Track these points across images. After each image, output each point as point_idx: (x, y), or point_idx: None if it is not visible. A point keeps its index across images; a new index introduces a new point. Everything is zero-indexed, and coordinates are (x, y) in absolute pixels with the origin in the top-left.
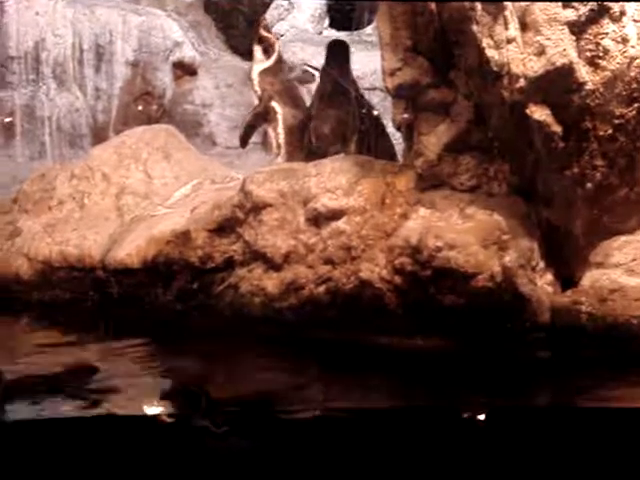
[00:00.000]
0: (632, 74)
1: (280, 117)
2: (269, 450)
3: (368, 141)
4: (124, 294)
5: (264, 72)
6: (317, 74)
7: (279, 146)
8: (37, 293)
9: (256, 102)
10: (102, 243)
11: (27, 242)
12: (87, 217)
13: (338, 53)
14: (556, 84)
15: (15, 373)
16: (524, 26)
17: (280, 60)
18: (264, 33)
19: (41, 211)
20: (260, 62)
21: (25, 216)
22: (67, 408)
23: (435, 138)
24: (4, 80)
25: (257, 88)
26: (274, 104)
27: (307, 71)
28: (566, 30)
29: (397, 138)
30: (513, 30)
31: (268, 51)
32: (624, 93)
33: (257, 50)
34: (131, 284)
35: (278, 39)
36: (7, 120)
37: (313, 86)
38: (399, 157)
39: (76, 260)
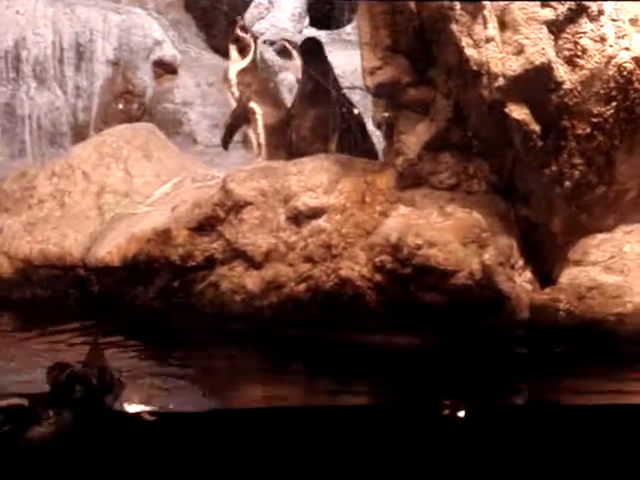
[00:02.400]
0: (610, 73)
1: (259, 117)
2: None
3: (349, 140)
4: (105, 292)
5: (241, 72)
6: (295, 53)
7: (260, 146)
8: (17, 292)
9: (232, 102)
10: (83, 241)
11: (7, 241)
12: (67, 216)
13: (314, 51)
14: (535, 83)
15: None
16: (503, 25)
17: (257, 60)
18: (240, 33)
19: (21, 210)
20: (236, 62)
21: (5, 215)
22: None
23: (415, 137)
24: None
25: (234, 89)
26: (253, 104)
27: (285, 47)
28: (545, 29)
29: (377, 136)
30: (492, 29)
31: (244, 51)
32: (602, 92)
33: (233, 50)
34: (112, 282)
35: (257, 39)
36: None
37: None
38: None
39: (57, 259)
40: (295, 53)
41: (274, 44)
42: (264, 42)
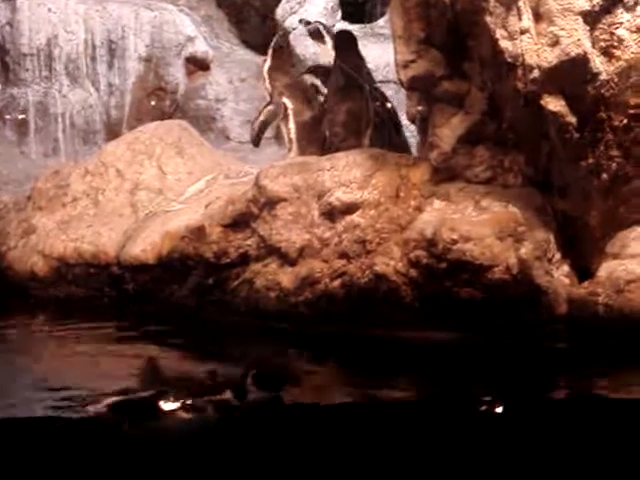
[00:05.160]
0: None
1: (291, 112)
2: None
3: (382, 134)
4: (139, 290)
5: (273, 68)
6: (327, 36)
7: (291, 141)
8: (52, 290)
9: (268, 98)
10: (117, 239)
11: (42, 239)
12: (101, 213)
13: (347, 44)
14: (570, 74)
15: None
16: (538, 16)
17: (290, 55)
18: (275, 31)
19: (55, 208)
20: (269, 59)
21: (39, 213)
22: None
23: (449, 130)
24: (17, 77)
25: (268, 85)
26: (285, 100)
27: (319, 30)
28: (580, 20)
29: (412, 131)
30: (527, 21)
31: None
32: (639, 83)
33: (269, 47)
34: (146, 280)
35: (288, 33)
36: (20, 117)
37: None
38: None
39: (91, 257)
40: (328, 37)
41: (309, 24)
42: (300, 21)
